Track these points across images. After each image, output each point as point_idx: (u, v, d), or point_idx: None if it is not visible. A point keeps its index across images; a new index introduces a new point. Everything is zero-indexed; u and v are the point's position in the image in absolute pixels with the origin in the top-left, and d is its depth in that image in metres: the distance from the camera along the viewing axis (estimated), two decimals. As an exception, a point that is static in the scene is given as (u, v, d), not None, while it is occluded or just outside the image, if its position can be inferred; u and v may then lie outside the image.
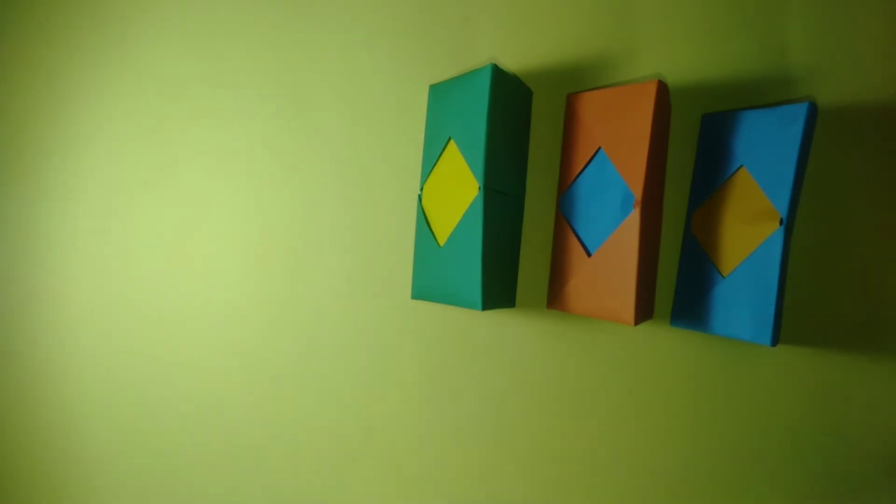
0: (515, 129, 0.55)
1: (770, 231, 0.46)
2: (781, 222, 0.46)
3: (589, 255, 0.51)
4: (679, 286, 0.53)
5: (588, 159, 0.52)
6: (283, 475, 0.66)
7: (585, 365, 0.57)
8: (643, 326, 0.55)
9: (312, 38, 0.62)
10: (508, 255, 0.56)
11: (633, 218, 0.47)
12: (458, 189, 0.52)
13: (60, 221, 0.71)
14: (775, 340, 0.46)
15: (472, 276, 0.50)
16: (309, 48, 0.62)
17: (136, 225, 0.69)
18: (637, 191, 0.47)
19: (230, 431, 0.67)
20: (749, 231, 0.48)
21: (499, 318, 0.58)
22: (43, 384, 0.73)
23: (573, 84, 0.56)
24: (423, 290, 0.57)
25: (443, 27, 0.58)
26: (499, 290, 0.54)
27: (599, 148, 0.51)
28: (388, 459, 0.63)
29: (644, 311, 0.50)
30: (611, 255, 0.49)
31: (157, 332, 0.69)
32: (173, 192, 0.67)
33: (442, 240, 0.54)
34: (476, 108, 0.50)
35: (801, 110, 0.45)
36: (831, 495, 0.52)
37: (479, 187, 0.50)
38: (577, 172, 0.53)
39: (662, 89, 0.48)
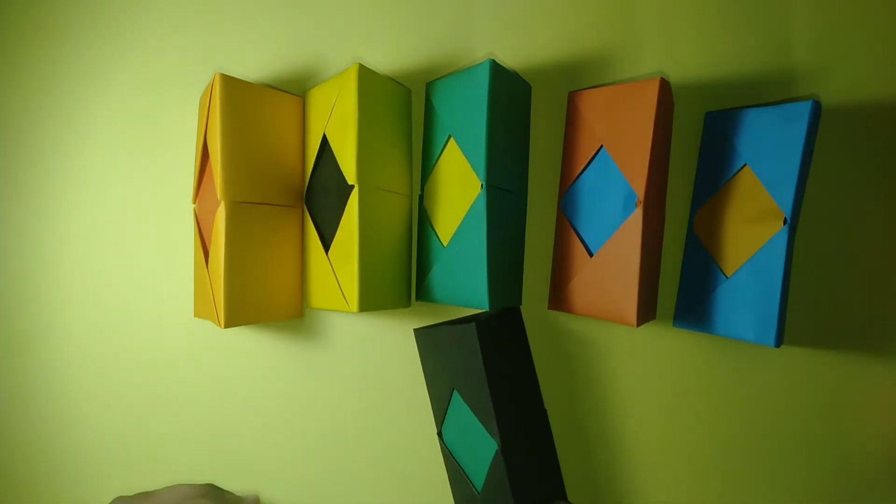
0: (516, 125, 0.54)
1: (774, 231, 0.46)
2: (785, 222, 0.45)
3: (591, 255, 0.51)
4: (682, 286, 0.53)
5: (590, 158, 0.51)
6: (284, 473, 0.65)
7: (587, 366, 0.56)
8: (646, 327, 0.55)
9: (313, 35, 0.61)
10: (513, 254, 0.55)
11: (636, 217, 0.47)
12: (460, 188, 0.52)
13: (56, 219, 0.70)
14: (780, 341, 0.45)
15: (477, 275, 0.49)
16: (309, 46, 0.61)
17: (133, 222, 0.68)
18: (639, 190, 0.47)
19: (229, 430, 0.66)
20: (753, 231, 0.47)
21: (499, 319, 0.58)
22: (38, 382, 0.72)
23: (574, 81, 0.55)
24: (426, 291, 0.56)
25: (439, 22, 0.57)
26: (504, 289, 0.53)
27: (601, 146, 0.50)
28: (387, 462, 0.62)
29: (647, 311, 0.49)
30: (613, 255, 0.49)
31: (154, 329, 0.68)
32: (171, 190, 0.66)
33: (446, 240, 0.53)
34: (475, 106, 0.49)
35: (804, 108, 0.44)
36: (836, 496, 0.52)
37: (482, 185, 0.49)
38: (578, 171, 0.52)
39: (665, 87, 0.47)
